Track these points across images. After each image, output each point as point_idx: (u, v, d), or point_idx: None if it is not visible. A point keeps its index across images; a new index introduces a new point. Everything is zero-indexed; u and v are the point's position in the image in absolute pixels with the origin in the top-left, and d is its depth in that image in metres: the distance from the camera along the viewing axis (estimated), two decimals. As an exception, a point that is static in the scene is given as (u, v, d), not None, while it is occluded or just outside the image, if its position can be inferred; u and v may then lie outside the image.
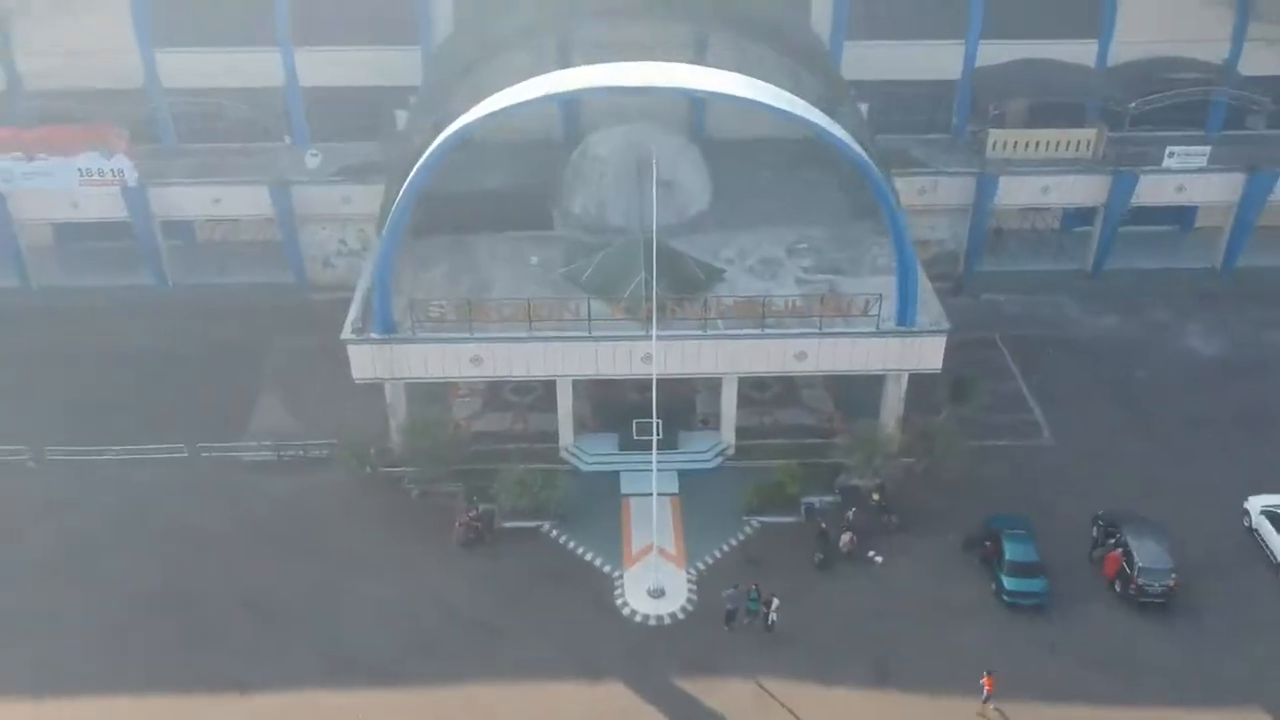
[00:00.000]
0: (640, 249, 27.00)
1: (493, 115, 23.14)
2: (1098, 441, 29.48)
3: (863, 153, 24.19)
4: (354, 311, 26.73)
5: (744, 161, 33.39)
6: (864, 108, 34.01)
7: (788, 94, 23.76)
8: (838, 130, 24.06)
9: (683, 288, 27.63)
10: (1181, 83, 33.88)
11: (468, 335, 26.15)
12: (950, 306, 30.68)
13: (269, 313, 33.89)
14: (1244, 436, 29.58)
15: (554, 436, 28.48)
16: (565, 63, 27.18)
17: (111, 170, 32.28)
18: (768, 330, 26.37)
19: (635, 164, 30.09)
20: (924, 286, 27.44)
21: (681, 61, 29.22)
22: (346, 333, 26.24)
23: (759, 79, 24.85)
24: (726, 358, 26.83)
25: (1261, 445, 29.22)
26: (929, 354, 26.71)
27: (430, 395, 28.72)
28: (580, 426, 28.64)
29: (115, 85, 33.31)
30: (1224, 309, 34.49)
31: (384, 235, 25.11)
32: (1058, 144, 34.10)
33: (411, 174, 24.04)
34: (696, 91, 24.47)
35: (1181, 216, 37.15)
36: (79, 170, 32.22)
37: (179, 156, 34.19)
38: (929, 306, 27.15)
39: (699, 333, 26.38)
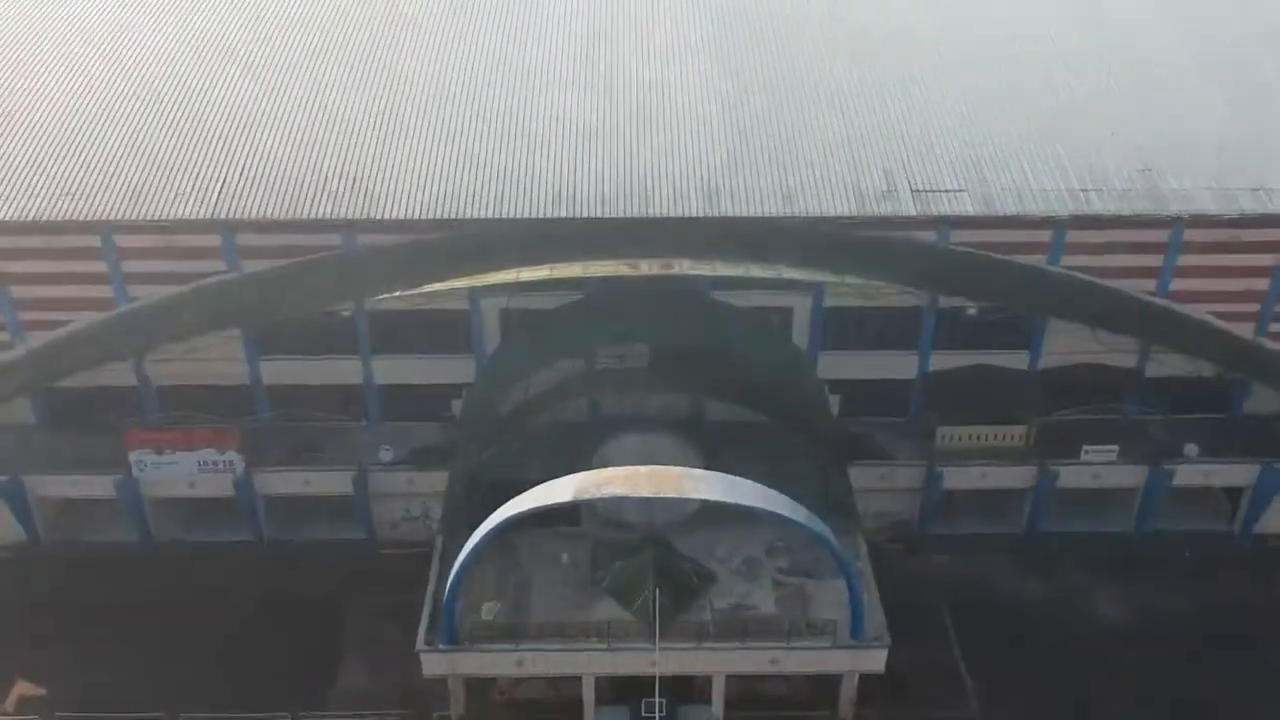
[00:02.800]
0: (649, 565, 34.96)
1: (528, 512, 30.81)
2: (1016, 714, 36.78)
3: (829, 534, 31.76)
4: (423, 626, 34.22)
5: (736, 449, 40.85)
6: (835, 399, 42.08)
7: (766, 491, 31.30)
8: (800, 514, 31.58)
9: (682, 597, 35.27)
10: (1096, 388, 41.53)
11: (513, 647, 33.77)
12: (903, 567, 38.13)
13: (347, 567, 41.46)
14: (1136, 714, 36.80)
15: (580, 707, 35.99)
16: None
17: (225, 462, 40.09)
18: (748, 644, 33.96)
19: (646, 473, 37.88)
20: (871, 598, 34.93)
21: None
22: (420, 644, 33.78)
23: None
24: (716, 662, 34.37)
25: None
26: (874, 660, 34.17)
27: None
28: (599, 698, 36.14)
29: (225, 382, 41.23)
30: (1133, 574, 41.69)
31: (449, 586, 32.61)
32: (995, 436, 41.65)
33: (463, 555, 31.59)
34: (695, 499, 32.03)
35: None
36: (198, 462, 40.04)
37: (275, 435, 41.83)
38: (874, 617, 34.52)
39: (693, 645, 33.92)
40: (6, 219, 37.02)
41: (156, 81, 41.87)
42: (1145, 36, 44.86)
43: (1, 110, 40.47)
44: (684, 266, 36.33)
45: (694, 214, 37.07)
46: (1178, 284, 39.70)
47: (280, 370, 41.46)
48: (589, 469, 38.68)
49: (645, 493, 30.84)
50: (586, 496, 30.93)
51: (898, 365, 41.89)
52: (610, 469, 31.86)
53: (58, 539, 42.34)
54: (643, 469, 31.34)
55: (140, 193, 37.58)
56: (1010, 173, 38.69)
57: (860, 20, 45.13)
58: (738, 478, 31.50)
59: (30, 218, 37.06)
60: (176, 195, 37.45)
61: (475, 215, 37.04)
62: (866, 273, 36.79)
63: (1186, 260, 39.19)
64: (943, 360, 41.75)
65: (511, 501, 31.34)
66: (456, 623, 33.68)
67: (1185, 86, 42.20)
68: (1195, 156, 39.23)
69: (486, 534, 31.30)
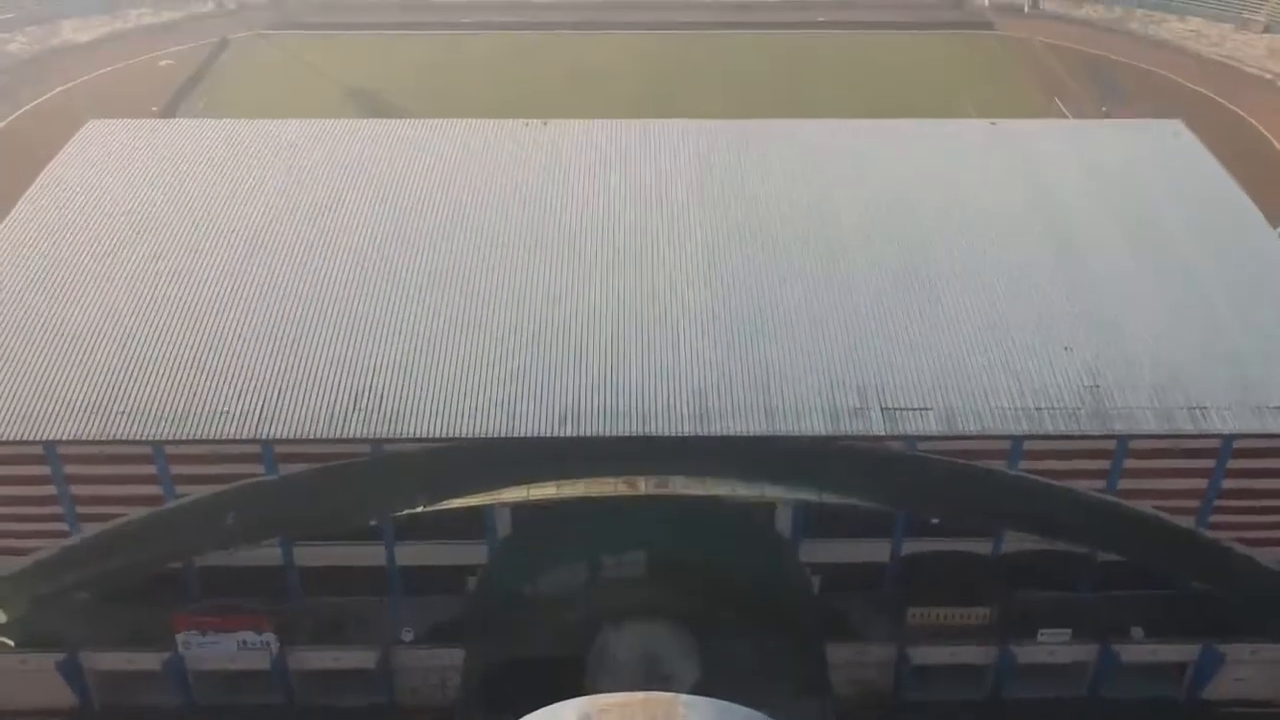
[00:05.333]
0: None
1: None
2: None
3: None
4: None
5: (726, 634, 44.81)
6: (816, 579, 46.26)
7: (751, 714, 35.27)
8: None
9: (675, 782, 39.43)
10: (1053, 570, 45.77)
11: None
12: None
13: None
14: None
15: None
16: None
17: (262, 642, 44.32)
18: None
19: (644, 663, 42.23)
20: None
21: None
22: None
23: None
24: None
25: None
26: None
27: None
28: None
29: (261, 564, 45.49)
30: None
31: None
32: (960, 616, 45.83)
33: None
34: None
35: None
36: (238, 642, 44.29)
37: (307, 613, 46.11)
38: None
39: (684, 837, 38.09)
40: (67, 437, 41.35)
41: (202, 295, 46.18)
42: (1102, 253, 48.88)
43: (62, 330, 44.68)
44: (677, 485, 40.51)
45: (686, 433, 41.24)
46: (1124, 484, 43.90)
47: (310, 554, 45.74)
48: (590, 655, 43.49)
49: (644, 721, 34.94)
50: (585, 727, 35.05)
51: (873, 550, 46.10)
52: (609, 695, 35.88)
53: (108, 703, 46.50)
54: (639, 695, 35.39)
55: (188, 412, 41.75)
56: (972, 389, 42.75)
57: (839, 241, 49.32)
58: (727, 703, 35.57)
59: (90, 436, 41.32)
60: (220, 414, 41.65)
61: (489, 434, 41.23)
62: (842, 493, 40.98)
63: (1131, 464, 43.42)
64: (913, 546, 45.93)
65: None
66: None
67: (1134, 303, 46.15)
68: (1139, 373, 43.29)
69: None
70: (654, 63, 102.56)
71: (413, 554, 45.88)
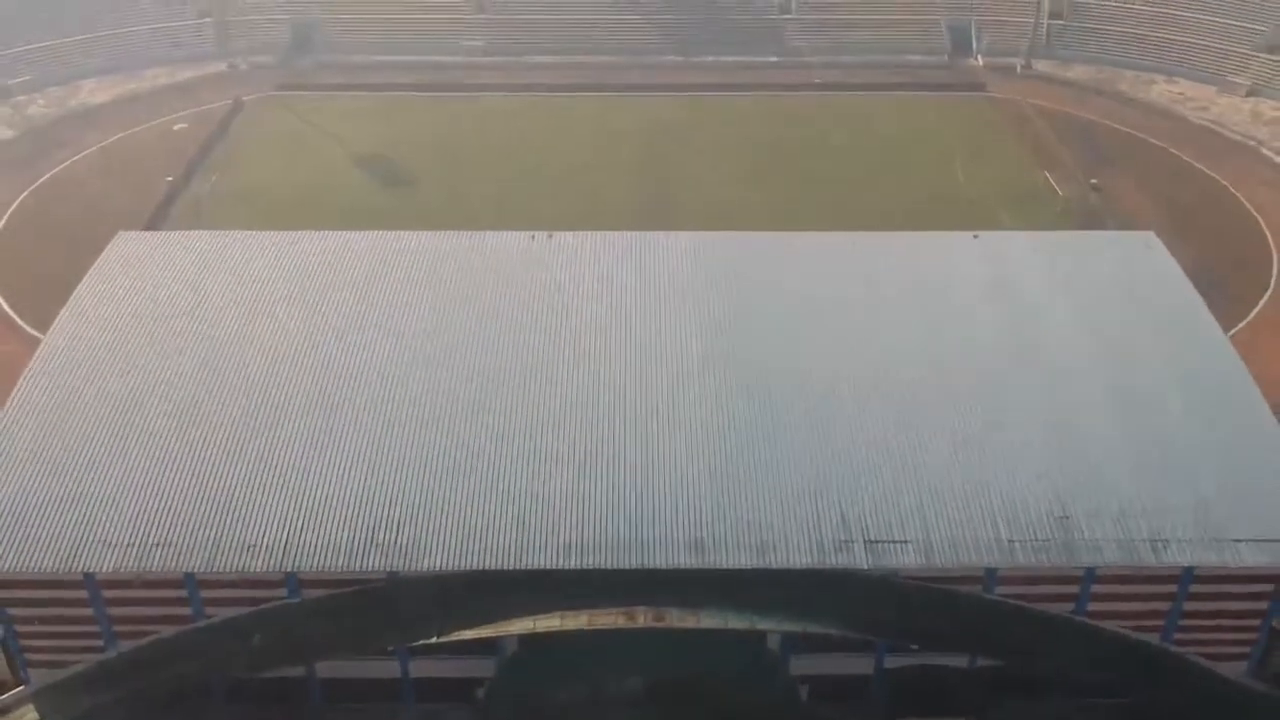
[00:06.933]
0: None
1: None
2: None
3: None
4: None
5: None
6: (804, 689, 49.23)
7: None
8: None
9: None
10: (1029, 681, 48.74)
11: None
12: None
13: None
14: None
15: None
16: None
17: (284, 754, 47.53)
18: None
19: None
20: None
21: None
22: None
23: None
24: None
25: None
26: None
27: None
28: None
29: (284, 674, 48.56)
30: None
31: None
32: (941, 728, 49.02)
33: None
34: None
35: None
36: (263, 754, 47.53)
37: (325, 720, 49.40)
38: None
39: None
40: (106, 570, 44.45)
41: (228, 423, 49.12)
42: (1073, 376, 51.63)
43: (98, 458, 47.68)
44: (673, 618, 43.50)
45: (682, 566, 44.21)
46: (1093, 606, 46.83)
47: (330, 666, 48.79)
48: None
49: None
50: None
51: (857, 664, 49.07)
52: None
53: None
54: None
55: (218, 544, 44.75)
56: (949, 519, 45.57)
57: (828, 361, 52.26)
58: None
59: (126, 568, 44.37)
60: (247, 548, 44.67)
61: (498, 568, 44.24)
62: (828, 625, 44.08)
63: (1099, 589, 46.36)
64: (895, 660, 48.91)
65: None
66: None
67: (1101, 430, 48.90)
68: (1105, 503, 46.00)
69: None
70: (656, 126, 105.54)
71: (426, 667, 48.92)
